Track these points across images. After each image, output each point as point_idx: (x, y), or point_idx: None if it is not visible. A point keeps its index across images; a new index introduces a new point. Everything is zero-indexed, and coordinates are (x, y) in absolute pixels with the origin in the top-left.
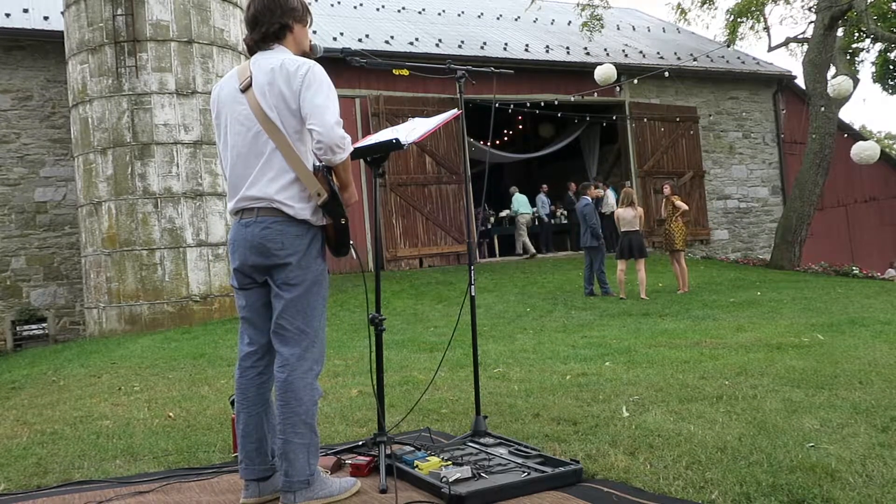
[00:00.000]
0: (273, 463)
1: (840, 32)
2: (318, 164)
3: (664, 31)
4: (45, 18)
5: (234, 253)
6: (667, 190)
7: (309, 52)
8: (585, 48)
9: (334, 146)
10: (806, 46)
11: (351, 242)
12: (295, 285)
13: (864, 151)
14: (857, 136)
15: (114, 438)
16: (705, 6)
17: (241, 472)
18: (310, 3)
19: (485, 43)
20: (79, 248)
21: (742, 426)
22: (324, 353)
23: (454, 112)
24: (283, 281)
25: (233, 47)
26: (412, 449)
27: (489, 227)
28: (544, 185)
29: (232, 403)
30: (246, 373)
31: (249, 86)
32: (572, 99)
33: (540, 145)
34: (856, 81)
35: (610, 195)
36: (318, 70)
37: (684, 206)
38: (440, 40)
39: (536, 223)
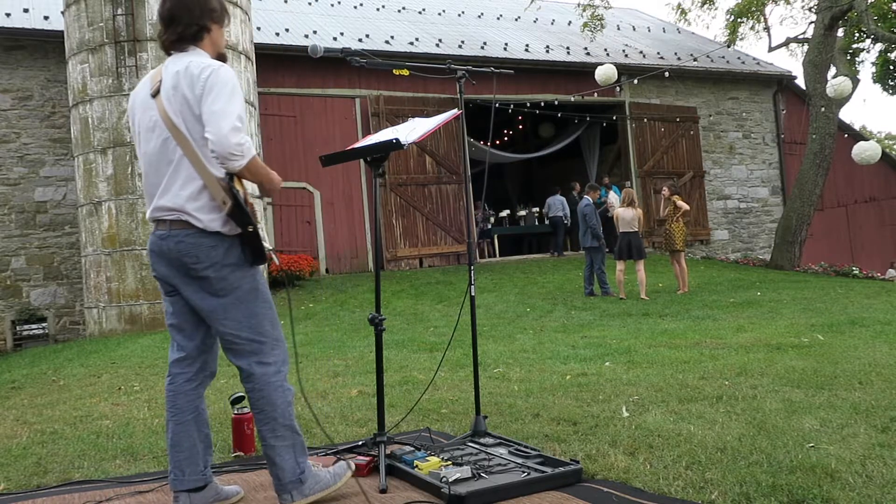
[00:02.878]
0: (206, 473)
1: (840, 33)
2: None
3: (664, 32)
4: (46, 18)
5: (154, 264)
6: (665, 192)
7: (225, 54)
8: (586, 48)
9: (228, 154)
10: (806, 47)
11: (269, 248)
12: (221, 296)
13: (864, 152)
14: (858, 136)
15: (114, 438)
16: (705, 6)
17: (171, 483)
18: (310, 4)
19: (485, 43)
20: (79, 247)
21: (742, 426)
22: (286, 354)
23: (454, 112)
24: (208, 292)
25: (233, 47)
26: (412, 449)
27: (489, 226)
28: (557, 187)
29: (232, 403)
30: (175, 379)
31: (159, 91)
32: (572, 99)
33: (540, 145)
34: (856, 82)
35: (613, 196)
36: (223, 73)
37: (686, 207)
38: (440, 40)
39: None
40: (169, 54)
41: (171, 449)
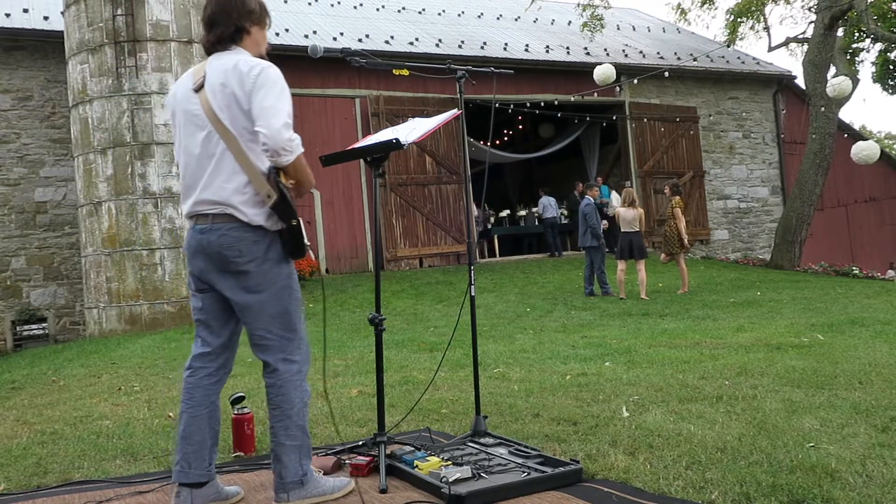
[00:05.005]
0: (210, 470)
1: (840, 32)
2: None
3: (664, 31)
4: (45, 18)
5: (192, 259)
6: (667, 191)
7: (264, 56)
8: (585, 48)
9: (280, 149)
10: (806, 46)
11: (307, 243)
12: (259, 292)
13: (862, 151)
14: (857, 136)
15: (114, 438)
16: (705, 6)
17: (175, 475)
18: (309, 4)
19: (485, 43)
20: (79, 248)
21: (742, 426)
22: (309, 353)
23: (454, 112)
24: (243, 288)
25: None
26: (412, 449)
27: (489, 226)
28: (546, 188)
29: (232, 403)
30: (196, 372)
31: (202, 86)
32: (572, 99)
33: (540, 145)
34: (856, 81)
35: (614, 197)
36: (273, 72)
37: (680, 218)
38: (440, 40)
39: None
40: (209, 55)
41: (182, 440)
